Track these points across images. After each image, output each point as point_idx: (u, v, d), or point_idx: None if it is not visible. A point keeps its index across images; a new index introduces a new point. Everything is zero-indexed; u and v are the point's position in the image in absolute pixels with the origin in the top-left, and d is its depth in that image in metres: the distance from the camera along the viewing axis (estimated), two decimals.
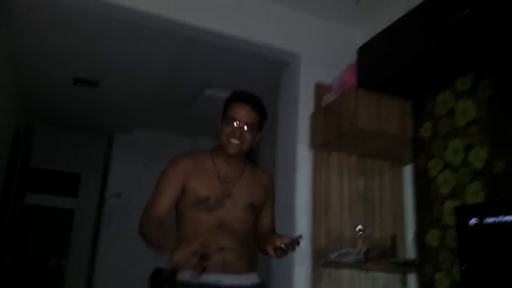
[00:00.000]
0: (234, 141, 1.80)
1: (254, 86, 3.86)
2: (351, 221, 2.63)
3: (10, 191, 4.77)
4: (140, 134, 5.53)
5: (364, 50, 2.46)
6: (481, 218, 1.76)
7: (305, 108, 2.75)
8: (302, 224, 2.57)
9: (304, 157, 2.68)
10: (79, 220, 6.12)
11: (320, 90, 2.76)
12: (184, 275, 1.64)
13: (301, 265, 2.52)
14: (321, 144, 2.63)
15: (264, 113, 1.89)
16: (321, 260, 2.47)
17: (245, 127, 1.80)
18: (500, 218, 1.70)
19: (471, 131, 2.12)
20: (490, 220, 1.73)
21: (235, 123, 1.80)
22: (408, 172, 2.82)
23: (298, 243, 1.66)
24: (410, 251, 2.62)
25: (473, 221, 1.79)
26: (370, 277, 2.57)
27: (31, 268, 5.89)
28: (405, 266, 2.35)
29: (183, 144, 5.81)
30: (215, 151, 1.90)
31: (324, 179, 2.65)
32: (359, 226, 2.43)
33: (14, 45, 3.43)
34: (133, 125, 5.32)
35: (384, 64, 2.29)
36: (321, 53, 2.91)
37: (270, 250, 1.69)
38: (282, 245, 1.64)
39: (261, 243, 1.86)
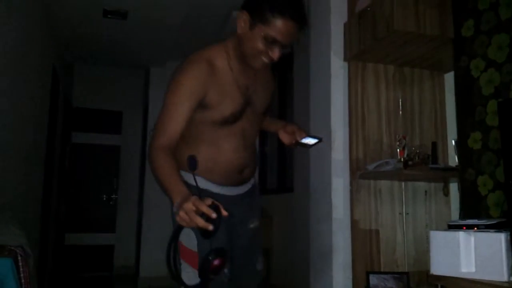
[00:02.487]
0: (265, 60, 1.53)
1: None
2: (390, 132, 2.57)
3: (55, 130, 4.96)
4: (175, 66, 5.52)
5: None
6: None
7: (338, 17, 2.62)
8: (339, 136, 2.53)
9: (338, 69, 2.59)
10: (125, 156, 6.34)
11: None
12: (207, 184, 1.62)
13: (339, 177, 2.51)
14: (356, 54, 2.52)
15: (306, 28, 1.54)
16: (359, 171, 2.45)
17: (282, 47, 1.51)
18: None
19: None
20: None
21: (273, 44, 1.49)
22: (450, 79, 2.69)
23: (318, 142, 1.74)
24: (452, 158, 2.55)
25: None
26: (410, 186, 2.54)
27: (85, 205, 6.22)
28: (446, 171, 2.29)
29: None
30: (229, 50, 1.61)
31: (360, 91, 2.57)
32: (398, 135, 2.37)
33: None
34: (167, 57, 5.31)
35: None
36: None
37: (284, 138, 1.77)
38: (304, 143, 1.73)
39: (267, 125, 1.88)
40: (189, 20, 4.16)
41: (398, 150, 2.31)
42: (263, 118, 1.83)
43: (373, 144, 2.54)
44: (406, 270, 2.43)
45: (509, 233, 1.65)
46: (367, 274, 2.34)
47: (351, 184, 2.48)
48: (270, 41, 1.49)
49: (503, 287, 1.54)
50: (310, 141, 1.74)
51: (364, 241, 2.45)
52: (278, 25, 1.46)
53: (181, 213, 1.23)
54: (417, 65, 2.66)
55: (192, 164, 1.29)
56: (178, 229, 1.28)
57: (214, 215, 1.20)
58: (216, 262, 1.23)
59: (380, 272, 2.37)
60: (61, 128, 5.40)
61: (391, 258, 2.49)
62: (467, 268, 1.72)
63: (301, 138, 1.73)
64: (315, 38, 2.75)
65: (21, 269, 1.55)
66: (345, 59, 2.59)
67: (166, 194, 1.39)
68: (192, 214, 1.21)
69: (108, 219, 6.26)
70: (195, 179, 1.30)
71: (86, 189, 6.29)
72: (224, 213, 1.23)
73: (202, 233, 1.23)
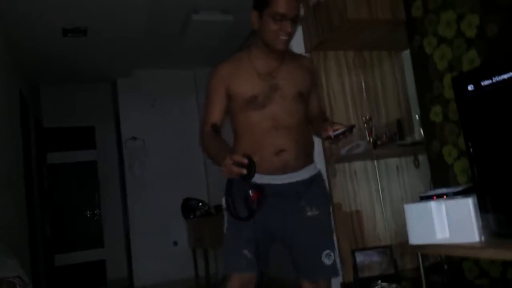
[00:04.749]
0: (283, 37, 1.73)
1: (242, 3, 3.79)
2: (357, 115, 2.69)
3: (30, 153, 4.92)
4: (141, 74, 5.54)
5: None
6: (477, 83, 1.78)
7: None
8: None
9: None
10: (103, 169, 6.32)
11: None
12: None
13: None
14: (316, 45, 2.62)
15: None
16: (333, 157, 2.56)
17: (291, 20, 1.71)
18: (495, 79, 1.72)
19: (461, 0, 2.08)
20: (486, 83, 1.75)
21: (282, 19, 1.69)
22: (407, 57, 2.82)
23: (350, 131, 1.67)
24: (418, 133, 2.69)
25: (470, 87, 1.81)
26: (382, 163, 2.67)
27: (70, 224, 6.19)
28: (413, 146, 2.42)
29: (185, 78, 5.84)
30: (251, 48, 1.85)
31: (324, 79, 2.67)
32: (365, 117, 2.49)
33: None
34: (132, 66, 5.31)
35: None
36: None
37: (324, 136, 1.70)
38: (332, 134, 1.66)
39: (316, 127, 1.89)
40: (149, 26, 4.17)
41: (366, 131, 2.43)
42: (301, 105, 1.84)
43: None
44: (389, 244, 2.56)
45: (476, 197, 1.78)
46: (353, 252, 2.46)
47: (327, 169, 2.59)
48: (279, 19, 1.70)
49: (476, 247, 1.66)
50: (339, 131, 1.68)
51: (347, 222, 2.57)
52: (277, 2, 1.69)
53: (223, 168, 1.57)
54: (375, 47, 2.78)
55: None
56: (228, 182, 1.69)
57: (246, 161, 1.53)
58: (253, 194, 1.66)
59: (364, 249, 2.50)
60: (35, 150, 5.36)
61: (373, 234, 2.62)
62: (442, 234, 1.84)
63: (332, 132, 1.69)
64: None
65: None
66: (306, 51, 2.68)
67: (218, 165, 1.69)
68: (229, 166, 1.53)
69: (95, 234, 6.24)
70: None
71: (69, 208, 6.24)
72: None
73: (242, 177, 1.57)
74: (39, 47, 4.35)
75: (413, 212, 1.95)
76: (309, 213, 1.82)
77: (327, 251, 1.81)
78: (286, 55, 1.85)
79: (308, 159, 1.86)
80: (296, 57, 1.93)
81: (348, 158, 2.51)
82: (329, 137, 1.67)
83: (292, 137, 1.79)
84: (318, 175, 1.90)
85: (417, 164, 2.77)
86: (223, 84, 1.81)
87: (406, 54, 2.84)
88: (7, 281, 1.59)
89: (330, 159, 2.56)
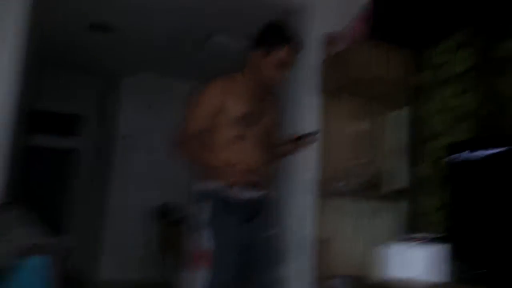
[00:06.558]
0: (279, 79, 2.06)
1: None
2: (353, 157, 2.95)
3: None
4: (145, 77, 5.64)
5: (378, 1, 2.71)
6: (468, 151, 2.11)
7: (313, 57, 2.97)
8: (310, 159, 2.87)
9: (312, 101, 2.94)
10: (81, 161, 6.34)
11: (329, 39, 2.98)
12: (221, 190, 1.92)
13: (307, 194, 2.86)
14: (330, 90, 2.90)
15: None
16: (326, 190, 2.82)
17: (289, 67, 2.06)
18: (486, 152, 2.03)
19: (466, 78, 2.43)
20: (477, 153, 2.08)
21: (284, 66, 2.02)
22: (405, 114, 3.15)
23: (315, 134, 2.11)
24: (404, 182, 2.98)
25: (463, 154, 2.13)
26: (367, 205, 2.93)
27: (37, 208, 6.14)
28: (400, 193, 2.72)
29: (187, 89, 5.99)
30: (245, 73, 2.10)
31: (330, 120, 2.94)
32: (360, 161, 2.77)
33: None
34: (139, 69, 5.44)
35: (396, 16, 2.59)
36: (329, 2, 3.08)
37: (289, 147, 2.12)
38: (302, 134, 2.09)
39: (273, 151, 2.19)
40: (170, 39, 4.32)
41: (359, 173, 2.71)
42: (275, 137, 2.18)
43: (339, 167, 2.90)
44: (357, 274, 2.79)
45: (448, 244, 2.08)
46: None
47: (318, 201, 2.83)
48: (282, 64, 2.02)
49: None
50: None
51: (324, 250, 2.80)
52: (286, 51, 2.02)
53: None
54: (380, 100, 3.06)
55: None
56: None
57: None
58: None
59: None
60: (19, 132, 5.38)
61: (345, 265, 2.85)
62: (415, 272, 2.12)
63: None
64: (292, 75, 3.04)
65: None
66: (318, 93, 2.95)
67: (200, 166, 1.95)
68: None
69: (60, 223, 6.21)
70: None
71: (38, 192, 6.19)
72: None
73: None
74: (61, 35, 4.46)
75: (394, 251, 2.23)
76: (270, 232, 2.07)
77: (280, 265, 2.08)
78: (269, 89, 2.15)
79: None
80: (272, 93, 2.23)
81: (339, 193, 2.77)
82: (298, 138, 2.10)
83: (265, 159, 2.07)
84: (269, 196, 2.14)
85: (398, 210, 3.04)
86: (217, 98, 1.98)
87: (404, 110, 3.16)
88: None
89: (323, 191, 2.80)
